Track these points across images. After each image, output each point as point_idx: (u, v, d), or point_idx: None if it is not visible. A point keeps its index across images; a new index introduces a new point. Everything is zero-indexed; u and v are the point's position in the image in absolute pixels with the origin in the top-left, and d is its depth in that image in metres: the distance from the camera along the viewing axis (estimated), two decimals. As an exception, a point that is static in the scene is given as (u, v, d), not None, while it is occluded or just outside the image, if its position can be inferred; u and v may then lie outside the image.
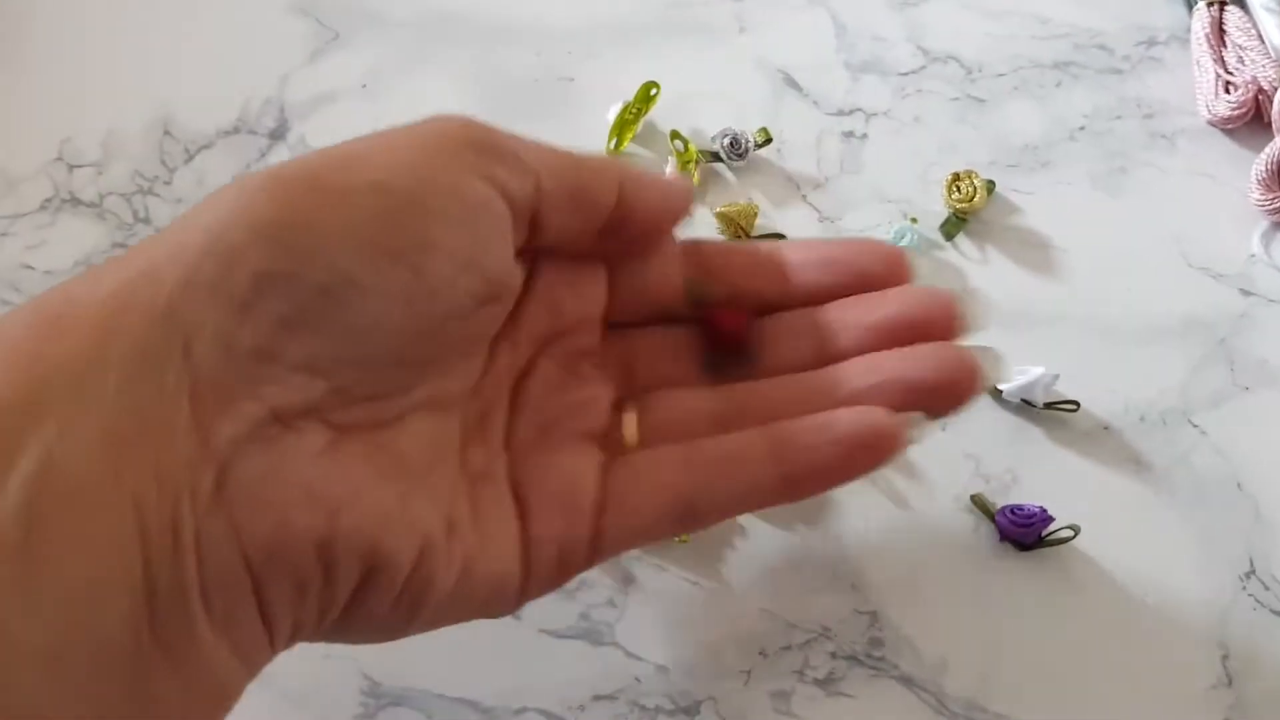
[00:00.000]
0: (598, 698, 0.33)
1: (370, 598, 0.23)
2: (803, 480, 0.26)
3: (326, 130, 0.43)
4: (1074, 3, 0.46)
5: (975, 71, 0.44)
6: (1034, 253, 0.41)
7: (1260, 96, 0.43)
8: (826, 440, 0.26)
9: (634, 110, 0.42)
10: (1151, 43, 0.45)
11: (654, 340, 0.30)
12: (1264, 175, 0.41)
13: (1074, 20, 0.46)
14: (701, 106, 0.43)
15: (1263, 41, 0.44)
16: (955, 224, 0.41)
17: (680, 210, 0.28)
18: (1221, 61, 0.44)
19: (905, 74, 0.44)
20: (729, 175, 0.42)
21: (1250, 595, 0.35)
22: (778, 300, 0.29)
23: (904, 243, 0.40)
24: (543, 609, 0.34)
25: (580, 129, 0.42)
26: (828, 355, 0.28)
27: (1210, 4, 0.45)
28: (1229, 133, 0.43)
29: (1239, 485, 0.37)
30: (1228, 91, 0.43)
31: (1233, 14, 0.44)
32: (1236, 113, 0.43)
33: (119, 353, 0.20)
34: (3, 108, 0.43)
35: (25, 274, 0.40)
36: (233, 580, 0.21)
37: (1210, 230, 0.41)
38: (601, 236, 0.27)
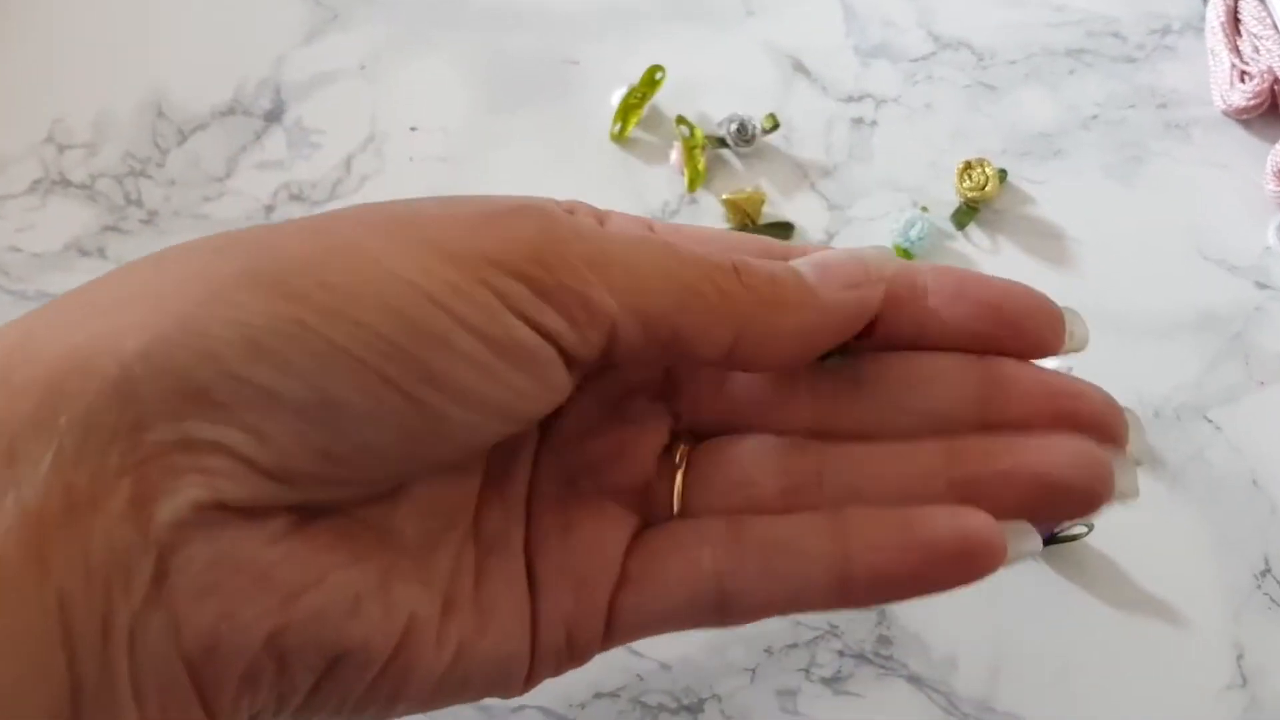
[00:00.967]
0: (599, 695, 0.32)
1: (340, 685, 0.21)
2: (863, 587, 0.21)
3: (323, 113, 0.42)
4: (1087, -11, 0.45)
5: (987, 58, 0.44)
6: (1046, 243, 0.40)
7: (1276, 86, 0.42)
8: (903, 544, 0.21)
9: (639, 94, 0.41)
10: (1166, 31, 0.45)
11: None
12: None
13: (1087, 7, 0.45)
14: (708, 91, 0.42)
15: (1278, 31, 0.43)
16: (967, 213, 0.40)
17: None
18: (1237, 51, 0.43)
19: (916, 60, 0.43)
20: (735, 162, 0.41)
21: (1265, 594, 0.34)
22: (911, 338, 0.23)
23: (914, 232, 0.39)
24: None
25: (583, 114, 0.42)
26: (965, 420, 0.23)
27: (1226, -8, 0.44)
28: (1244, 123, 0.43)
29: (1254, 482, 0.36)
30: (1243, 81, 0.43)
31: (1248, 2, 0.44)
32: (1252, 103, 0.42)
33: (66, 420, 0.18)
34: (-9, 86, 0.42)
35: (13, 257, 0.39)
36: (169, 677, 0.19)
37: (1225, 222, 0.41)
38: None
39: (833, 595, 0.22)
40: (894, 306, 0.23)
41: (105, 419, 0.18)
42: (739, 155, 0.41)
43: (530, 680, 0.23)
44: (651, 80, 0.41)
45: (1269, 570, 0.35)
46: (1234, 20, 0.44)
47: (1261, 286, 0.39)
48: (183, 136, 0.41)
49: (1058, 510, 0.22)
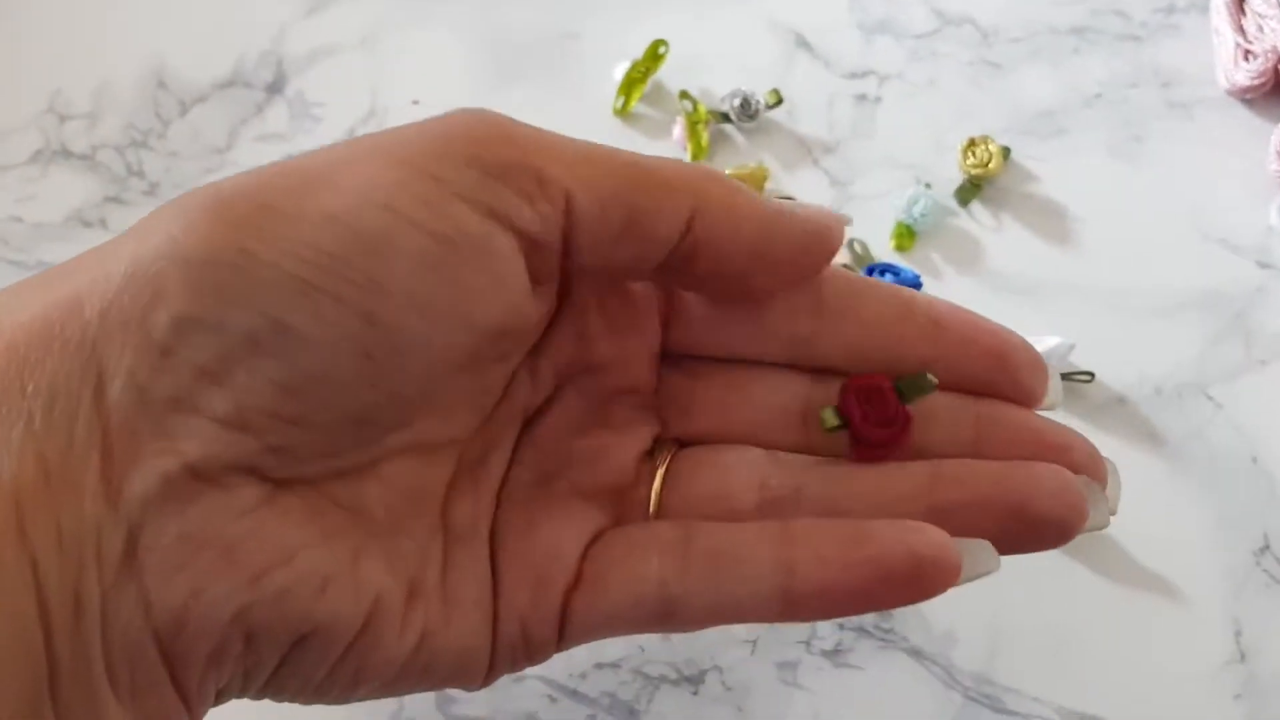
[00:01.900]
0: (600, 666, 0.32)
1: (304, 664, 0.21)
2: (808, 601, 0.21)
3: (325, 85, 0.41)
4: (1092, -32, 0.45)
5: (991, 35, 0.43)
6: (1049, 221, 0.40)
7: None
8: (849, 559, 0.21)
9: (642, 69, 0.41)
10: (1170, 9, 0.45)
11: (734, 380, 0.24)
12: (1283, 146, 0.41)
13: (1092, -15, 0.45)
14: (711, 66, 0.42)
15: (1283, 10, 0.43)
16: (970, 190, 0.40)
17: (813, 261, 0.22)
18: (1241, 30, 0.43)
19: (919, 36, 0.43)
20: (738, 137, 0.41)
21: (1265, 571, 0.34)
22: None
23: (917, 209, 0.39)
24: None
25: (585, 88, 0.41)
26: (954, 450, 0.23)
27: (1231, -29, 0.44)
28: (1248, 103, 0.43)
29: (1254, 460, 0.36)
30: (1247, 60, 0.43)
31: (1253, -18, 0.43)
32: (1256, 82, 0.42)
33: (33, 387, 0.18)
34: (-9, 56, 0.42)
35: (14, 227, 0.39)
36: (140, 653, 0.19)
37: (1227, 201, 0.41)
38: (668, 273, 0.22)
39: (777, 607, 0.21)
40: (910, 338, 0.23)
41: (69, 385, 0.18)
42: (742, 131, 0.41)
43: (490, 675, 0.23)
44: (655, 54, 0.41)
45: (1268, 547, 0.35)
46: (1239, -1, 0.44)
47: (1263, 266, 0.39)
48: (184, 108, 0.41)
49: (1032, 540, 0.22)
